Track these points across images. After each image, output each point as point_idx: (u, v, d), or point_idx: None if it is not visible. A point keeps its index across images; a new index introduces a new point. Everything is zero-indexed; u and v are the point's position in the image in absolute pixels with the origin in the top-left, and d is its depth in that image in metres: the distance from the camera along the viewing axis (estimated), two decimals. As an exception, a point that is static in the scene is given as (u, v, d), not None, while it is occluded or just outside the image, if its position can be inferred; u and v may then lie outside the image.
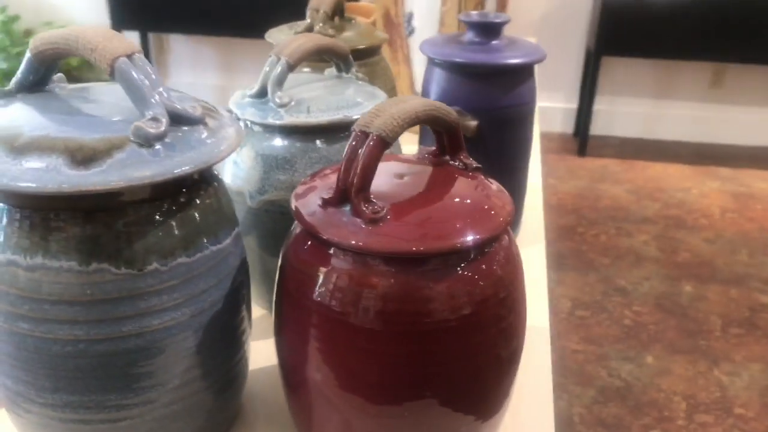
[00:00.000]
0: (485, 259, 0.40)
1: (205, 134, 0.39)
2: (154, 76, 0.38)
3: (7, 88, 0.41)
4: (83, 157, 0.35)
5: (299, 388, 0.43)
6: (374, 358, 0.39)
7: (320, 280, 0.39)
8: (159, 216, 0.39)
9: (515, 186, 0.73)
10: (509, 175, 0.71)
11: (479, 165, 0.45)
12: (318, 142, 0.55)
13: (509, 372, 0.45)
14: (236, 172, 0.56)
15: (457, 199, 0.41)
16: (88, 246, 0.37)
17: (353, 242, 0.37)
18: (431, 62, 0.67)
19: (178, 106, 0.38)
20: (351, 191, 0.38)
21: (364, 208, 0.38)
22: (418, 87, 1.01)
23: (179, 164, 0.36)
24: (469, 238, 0.38)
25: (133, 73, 0.37)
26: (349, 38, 0.75)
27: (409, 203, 0.40)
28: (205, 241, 0.40)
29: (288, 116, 0.53)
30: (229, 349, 0.45)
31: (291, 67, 0.55)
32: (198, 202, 0.41)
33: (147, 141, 0.36)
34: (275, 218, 0.55)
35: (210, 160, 0.38)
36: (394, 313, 0.38)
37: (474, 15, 0.69)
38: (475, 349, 0.41)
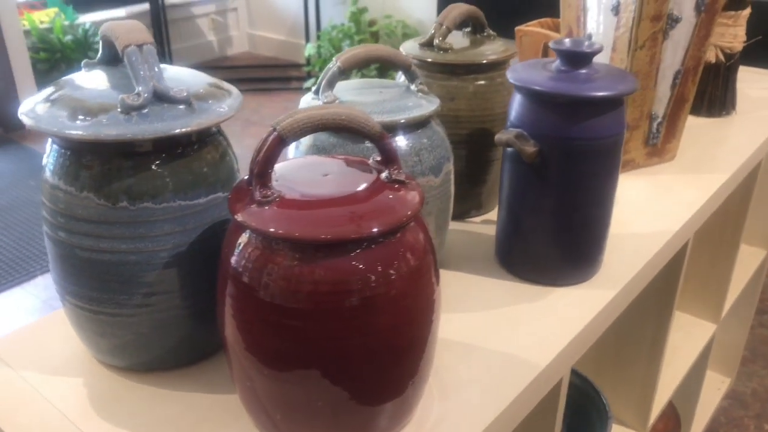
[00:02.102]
0: (370, 253, 0.44)
1: (178, 113, 0.50)
2: (152, 63, 0.50)
3: (93, 60, 0.57)
4: (83, 114, 0.49)
5: (224, 344, 0.51)
6: (268, 327, 0.46)
7: (230, 249, 0.47)
8: (145, 168, 0.51)
9: (599, 219, 0.70)
10: (595, 207, 0.69)
11: (405, 180, 0.48)
12: (349, 139, 0.62)
13: (405, 360, 0.48)
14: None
15: (353, 199, 0.46)
16: (98, 182, 0.51)
17: (237, 217, 0.45)
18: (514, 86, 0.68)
19: (163, 87, 0.50)
20: (252, 177, 0.46)
21: (258, 192, 0.45)
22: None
23: (140, 131, 0.48)
24: (341, 231, 0.43)
25: (133, 58, 0.50)
26: (473, 53, 0.79)
27: (307, 195, 0.46)
28: (172, 195, 0.52)
29: (325, 113, 0.62)
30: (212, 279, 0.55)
31: (342, 71, 0.63)
32: (176, 163, 0.52)
33: (126, 110, 0.49)
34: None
35: (161, 132, 0.48)
36: (280, 288, 0.45)
37: (565, 42, 0.67)
38: (358, 332, 0.46)
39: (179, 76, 0.55)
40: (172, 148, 0.52)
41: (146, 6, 4.00)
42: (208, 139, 0.54)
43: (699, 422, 1.54)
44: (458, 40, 0.83)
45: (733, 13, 1.10)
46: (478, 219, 0.84)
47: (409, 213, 0.46)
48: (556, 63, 0.67)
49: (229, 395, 0.55)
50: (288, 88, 4.02)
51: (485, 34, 0.84)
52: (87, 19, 3.82)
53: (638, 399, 1.03)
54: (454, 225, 0.83)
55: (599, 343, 1.04)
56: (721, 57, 1.13)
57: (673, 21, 0.89)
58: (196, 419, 0.53)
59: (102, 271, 0.52)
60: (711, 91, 1.16)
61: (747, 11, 1.11)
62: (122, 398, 0.55)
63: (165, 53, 4.09)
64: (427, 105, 0.64)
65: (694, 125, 1.15)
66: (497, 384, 0.57)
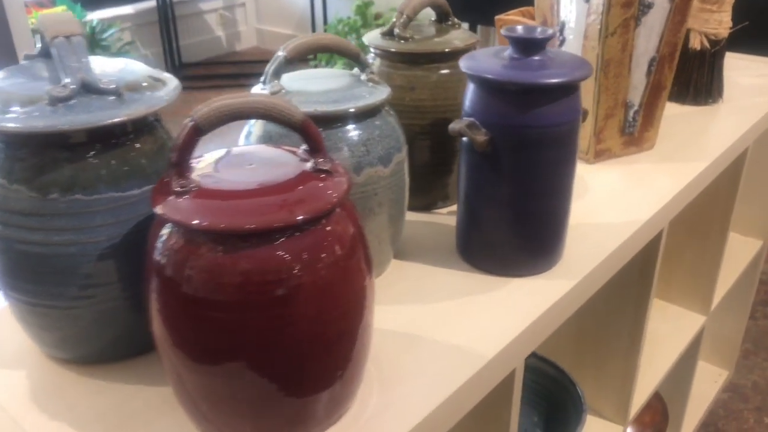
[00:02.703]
0: (294, 242, 0.44)
1: (106, 104, 0.50)
2: (81, 54, 0.50)
3: (33, 54, 0.57)
4: (12, 106, 0.49)
5: (153, 338, 0.51)
6: (193, 321, 0.46)
7: (153, 242, 0.47)
8: (76, 159, 0.51)
9: (555, 209, 0.69)
10: (551, 196, 0.68)
11: (331, 169, 0.48)
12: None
13: (333, 352, 0.48)
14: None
15: (274, 189, 0.45)
16: (29, 174, 0.51)
17: (154, 208, 0.45)
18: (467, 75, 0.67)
19: (91, 79, 0.50)
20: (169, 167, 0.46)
21: (174, 183, 0.45)
22: (566, 100, 0.96)
23: (65, 123, 0.48)
24: (261, 220, 0.43)
25: (61, 49, 0.50)
26: (434, 42, 0.78)
27: (228, 185, 0.46)
28: (104, 186, 0.51)
29: (270, 103, 0.61)
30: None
31: (288, 61, 0.63)
32: (109, 155, 0.52)
33: (52, 101, 0.49)
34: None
35: (87, 123, 0.48)
36: (201, 281, 0.44)
37: (516, 29, 0.66)
38: (284, 323, 0.45)
39: (114, 68, 0.55)
40: (104, 139, 0.52)
41: (154, 2, 4.02)
42: (144, 130, 0.54)
43: (693, 415, 1.52)
44: (423, 29, 0.82)
45: (717, -2, 1.08)
46: (444, 210, 0.84)
47: (333, 201, 0.45)
48: (508, 51, 0.66)
49: (167, 387, 0.55)
50: (295, 82, 4.02)
51: (450, 22, 0.83)
52: (95, 16, 3.85)
53: (618, 391, 1.02)
54: (419, 216, 0.82)
55: (578, 334, 1.03)
56: (706, 44, 1.11)
57: (645, 7, 0.87)
58: (132, 411, 0.53)
59: (38, 263, 0.52)
60: (696, 79, 1.14)
61: (732, -4, 1.09)
62: (63, 391, 0.56)
63: (173, 49, 4.12)
64: (376, 94, 0.63)
65: (678, 114, 1.13)
66: (440, 375, 0.57)
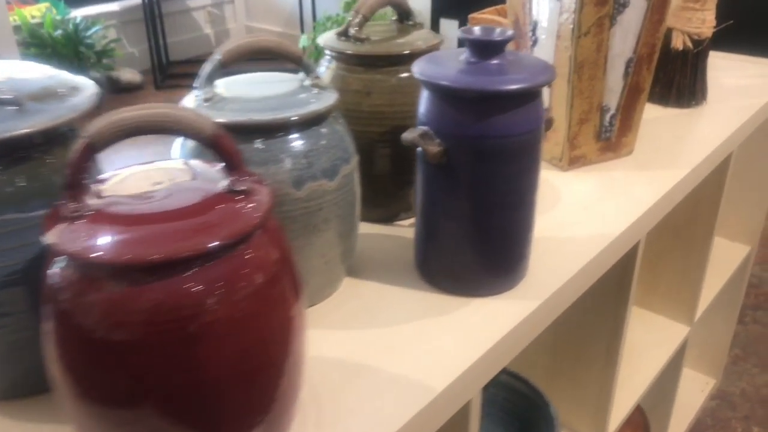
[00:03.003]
0: (198, 274, 0.39)
1: (5, 115, 0.45)
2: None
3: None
4: None
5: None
6: (88, 361, 0.41)
7: (45, 272, 0.42)
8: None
9: (517, 224, 0.64)
10: (512, 211, 0.63)
11: (248, 188, 0.43)
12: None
13: (255, 392, 0.43)
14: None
15: (179, 214, 0.40)
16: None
17: (45, 237, 0.40)
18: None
19: (-13, 89, 0.45)
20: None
21: (67, 207, 0.40)
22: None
23: (-47, 137, 0.43)
24: (150, 251, 0.38)
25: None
26: (393, 44, 0.73)
27: (128, 209, 0.41)
28: (8, 206, 0.47)
29: (203, 111, 0.56)
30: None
31: (223, 65, 0.58)
32: (10, 171, 0.47)
33: (-58, 113, 0.44)
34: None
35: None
36: (96, 318, 0.39)
37: (473, 30, 0.61)
38: (191, 364, 0.40)
39: (23, 75, 0.50)
40: (6, 154, 0.47)
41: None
42: (56, 143, 0.49)
43: (678, 426, 1.47)
44: (381, 29, 0.77)
45: (699, -4, 1.03)
46: (406, 222, 0.79)
47: (249, 225, 0.41)
48: (465, 54, 0.61)
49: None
50: (283, 80, 3.96)
51: (411, 22, 0.78)
52: (79, 13, 3.78)
53: (595, 407, 0.97)
54: (379, 229, 0.77)
55: (553, 346, 0.99)
56: (689, 44, 1.06)
57: (621, 5, 0.82)
58: (41, 453, 0.48)
59: (-62, 290, 0.48)
60: (679, 80, 1.09)
61: (715, -6, 1.04)
62: (-30, 428, 0.51)
63: (160, 47, 4.05)
64: (321, 101, 0.58)
65: (660, 117, 1.09)
66: (383, 412, 0.52)
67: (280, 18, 4.54)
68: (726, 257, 1.42)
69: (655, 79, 1.11)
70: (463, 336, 0.60)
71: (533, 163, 0.62)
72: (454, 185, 0.62)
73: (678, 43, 1.07)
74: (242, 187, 0.42)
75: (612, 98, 0.89)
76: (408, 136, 0.61)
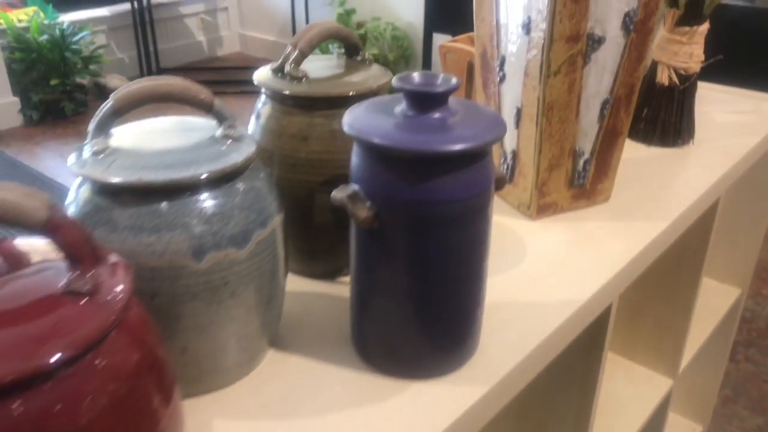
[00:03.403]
0: (28, 398, 0.31)
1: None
2: None
3: None
4: None
5: None
6: None
7: None
8: None
9: (462, 299, 0.56)
10: (456, 284, 0.55)
11: (92, 288, 0.34)
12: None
13: None
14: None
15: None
16: None
17: None
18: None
19: None
20: None
21: None
22: (508, 145, 0.83)
23: None
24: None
25: None
26: (334, 83, 0.65)
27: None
28: None
29: (90, 166, 0.48)
30: None
31: (117, 113, 0.50)
32: None
33: None
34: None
35: None
36: None
37: (411, 78, 0.53)
38: None
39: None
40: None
41: (129, 5, 3.89)
42: None
43: (662, 479, 1.38)
44: (325, 65, 0.69)
45: (687, 29, 0.96)
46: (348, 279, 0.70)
47: (85, 338, 0.32)
48: (403, 105, 0.53)
49: None
50: (274, 90, 3.88)
51: (359, 58, 0.70)
52: (68, 18, 3.71)
53: (564, 478, 0.89)
54: (318, 286, 0.69)
55: (519, 414, 0.90)
56: (675, 79, 0.98)
57: (596, 42, 0.74)
58: None
59: None
60: (664, 117, 1.01)
61: (705, 27, 0.96)
62: None
63: (150, 54, 3.98)
64: (232, 156, 0.50)
65: (642, 157, 1.00)
66: None
67: (273, 26, 4.48)
68: (715, 300, 1.34)
69: (639, 116, 1.03)
70: (400, 428, 0.52)
71: (481, 231, 0.54)
72: (388, 254, 0.53)
73: (663, 78, 0.99)
74: (86, 287, 0.34)
75: (586, 142, 0.81)
76: (337, 195, 0.53)
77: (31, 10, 3.62)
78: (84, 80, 3.57)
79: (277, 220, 0.54)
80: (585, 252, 0.77)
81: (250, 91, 3.80)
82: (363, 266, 0.56)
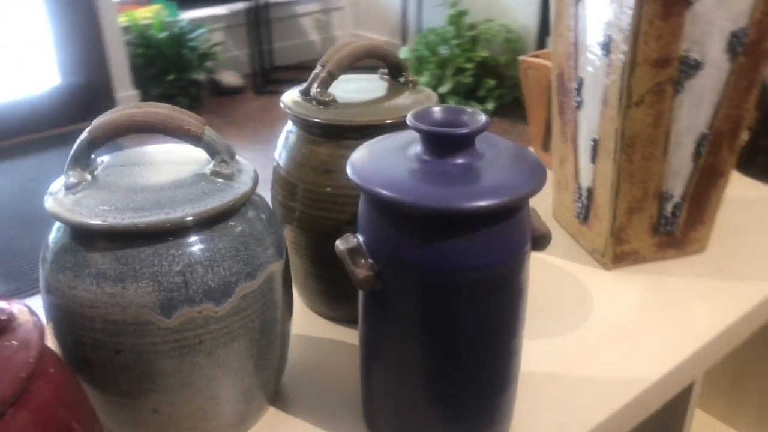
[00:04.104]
0: None
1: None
2: None
3: None
4: None
5: None
6: None
7: None
8: None
9: (491, 379, 0.47)
10: (479, 363, 0.46)
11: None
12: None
13: None
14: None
15: None
16: None
17: None
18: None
19: None
20: None
21: None
22: (584, 180, 0.72)
23: None
24: None
25: None
26: (364, 110, 0.57)
27: None
28: None
29: (57, 201, 0.43)
30: None
31: (92, 144, 0.44)
32: None
33: None
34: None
35: None
36: None
37: (428, 114, 0.44)
38: None
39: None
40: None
41: (247, 4, 3.99)
42: None
43: None
44: (362, 87, 0.61)
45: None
46: (378, 328, 0.62)
47: None
48: (419, 147, 0.44)
49: None
50: (382, 92, 3.84)
51: (402, 80, 0.62)
52: (189, 15, 3.86)
53: None
54: (338, 333, 0.62)
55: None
56: (802, 108, 0.83)
57: (691, 67, 0.62)
58: None
59: None
60: (786, 152, 0.86)
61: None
62: None
63: (263, 52, 4.07)
64: (205, 200, 0.43)
65: (752, 198, 0.85)
66: None
67: (386, 27, 4.45)
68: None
69: (756, 147, 0.88)
70: None
71: (510, 302, 0.45)
72: (393, 321, 0.45)
73: (787, 106, 0.83)
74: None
75: (676, 183, 0.68)
76: (339, 246, 0.45)
77: (156, 7, 3.79)
78: (199, 76, 3.69)
79: (272, 269, 0.47)
80: (666, 314, 0.64)
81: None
82: (368, 330, 0.47)
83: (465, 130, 0.42)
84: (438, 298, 0.43)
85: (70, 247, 0.43)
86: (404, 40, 3.95)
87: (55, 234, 0.44)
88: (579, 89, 0.70)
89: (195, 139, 0.45)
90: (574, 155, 0.73)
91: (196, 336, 0.43)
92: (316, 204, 0.57)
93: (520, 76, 0.92)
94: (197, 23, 3.74)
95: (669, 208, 0.69)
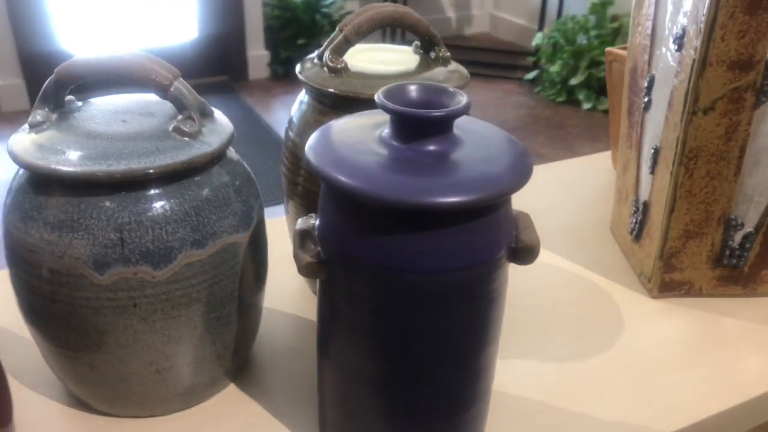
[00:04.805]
0: None
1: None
2: None
3: None
4: None
5: None
6: None
7: None
8: None
9: (461, 394, 0.41)
10: (445, 375, 0.40)
11: None
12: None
13: None
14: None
15: None
16: None
17: None
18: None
19: None
20: None
21: None
22: (642, 193, 0.63)
23: None
24: None
25: None
26: (372, 80, 0.52)
27: None
28: None
29: (19, 137, 0.42)
30: None
31: (59, 85, 0.43)
32: None
33: None
34: None
35: None
36: None
37: (404, 92, 0.38)
38: None
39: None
40: None
41: (387, -25, 3.97)
42: None
43: None
44: (386, 58, 0.56)
45: None
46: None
47: None
48: (388, 129, 0.39)
49: None
50: (510, 77, 3.73)
51: (433, 55, 0.56)
52: (329, -18, 3.90)
53: None
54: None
55: None
56: None
57: (779, 74, 0.51)
58: None
59: None
60: None
61: None
62: None
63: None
64: (153, 157, 0.40)
65: None
66: None
67: (525, 10, 4.28)
68: None
69: None
70: None
71: (474, 313, 0.38)
72: (341, 320, 0.40)
73: None
74: None
75: (749, 211, 0.58)
76: (297, 225, 0.41)
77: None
78: (329, 43, 3.74)
79: (230, 241, 0.44)
80: (710, 359, 0.55)
81: (491, 75, 3.70)
82: (320, 328, 0.43)
83: (438, 113, 0.36)
84: (384, 300, 0.38)
85: (22, 187, 0.42)
86: (541, 26, 3.77)
87: (15, 172, 0.43)
88: (649, 88, 0.61)
89: (161, 90, 0.42)
90: (636, 163, 0.64)
91: (131, 298, 0.41)
92: (318, 180, 0.53)
93: (606, 70, 0.83)
94: (332, -10, 3.78)
95: (737, 238, 0.59)
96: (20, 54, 2.99)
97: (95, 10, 3.14)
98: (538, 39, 3.62)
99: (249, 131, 2.92)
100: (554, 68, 3.42)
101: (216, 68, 3.59)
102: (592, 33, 3.39)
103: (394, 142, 0.38)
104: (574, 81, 3.39)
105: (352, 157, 0.37)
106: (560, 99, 3.39)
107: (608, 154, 0.89)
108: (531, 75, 3.60)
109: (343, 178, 0.36)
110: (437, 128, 0.37)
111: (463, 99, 0.37)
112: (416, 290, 0.37)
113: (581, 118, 3.24)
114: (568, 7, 3.68)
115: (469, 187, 0.35)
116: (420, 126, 0.37)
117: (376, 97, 0.37)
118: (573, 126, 3.17)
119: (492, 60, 3.85)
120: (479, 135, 0.39)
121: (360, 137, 0.39)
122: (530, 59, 3.71)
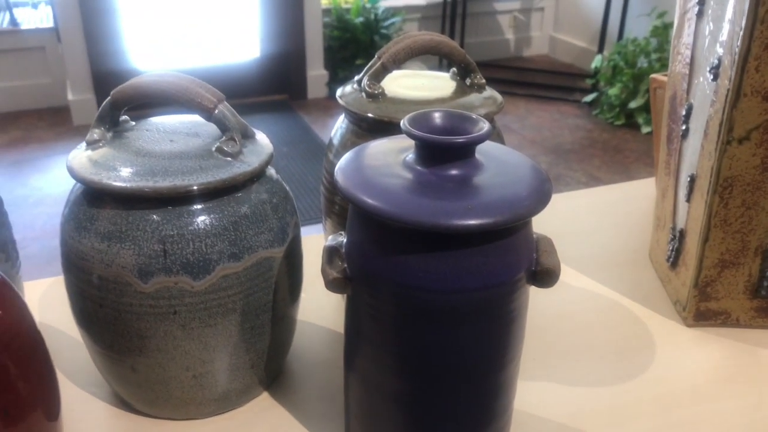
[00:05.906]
0: None
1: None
2: None
3: None
4: None
5: None
6: None
7: None
8: None
9: (479, 412, 0.43)
10: (462, 392, 0.42)
11: None
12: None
13: None
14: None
15: None
16: None
17: None
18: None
19: None
20: None
21: None
22: (679, 220, 0.63)
23: None
24: None
25: None
26: (404, 105, 0.54)
27: None
28: None
29: (75, 155, 0.46)
30: None
31: (115, 106, 0.46)
32: None
33: None
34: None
35: None
36: None
37: (427, 119, 0.40)
38: None
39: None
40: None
41: (447, -4, 4.01)
42: None
43: None
44: (422, 84, 0.58)
45: None
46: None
47: None
48: (412, 154, 0.41)
49: None
50: (568, 99, 3.69)
51: (469, 82, 0.58)
52: (387, 3, 3.97)
53: None
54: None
55: None
56: None
57: (817, 105, 0.51)
58: None
59: None
60: None
61: None
62: None
63: (455, 46, 4.07)
64: (196, 175, 0.43)
65: None
66: None
67: (585, 32, 4.25)
68: None
69: None
70: None
71: (492, 333, 0.40)
72: (365, 335, 0.42)
73: None
74: None
75: (788, 241, 0.57)
76: (327, 242, 0.43)
77: (359, -7, 3.94)
78: (386, 63, 3.79)
79: (265, 255, 0.46)
80: (745, 392, 0.54)
81: (549, 97, 3.68)
82: (348, 341, 0.45)
83: (460, 139, 0.38)
84: (404, 317, 0.40)
85: (78, 200, 0.46)
86: (601, 48, 3.74)
87: (72, 186, 0.47)
88: (687, 116, 0.61)
89: (206, 113, 0.45)
90: (674, 190, 0.64)
91: (171, 306, 0.44)
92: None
93: (651, 96, 0.83)
94: (394, 11, 3.84)
95: (775, 269, 0.58)
96: (93, 71, 3.15)
97: (165, 30, 3.29)
98: (597, 61, 3.59)
99: (305, 149, 2.98)
100: (613, 91, 3.38)
101: (276, 87, 3.68)
102: (654, 56, 3.34)
103: (418, 167, 0.40)
104: (633, 104, 3.34)
105: (377, 179, 0.39)
106: (619, 122, 3.34)
107: (653, 180, 0.89)
108: (589, 97, 3.56)
109: (367, 200, 0.38)
110: (459, 154, 0.39)
111: (485, 126, 0.39)
112: (435, 308, 0.39)
113: (640, 142, 3.18)
114: (630, 30, 3.64)
115: (486, 211, 0.36)
116: (442, 152, 0.39)
117: (401, 124, 0.40)
118: (631, 150, 3.12)
119: (550, 82, 3.84)
120: (500, 160, 0.40)
121: (386, 161, 0.41)
122: (589, 81, 3.68)
